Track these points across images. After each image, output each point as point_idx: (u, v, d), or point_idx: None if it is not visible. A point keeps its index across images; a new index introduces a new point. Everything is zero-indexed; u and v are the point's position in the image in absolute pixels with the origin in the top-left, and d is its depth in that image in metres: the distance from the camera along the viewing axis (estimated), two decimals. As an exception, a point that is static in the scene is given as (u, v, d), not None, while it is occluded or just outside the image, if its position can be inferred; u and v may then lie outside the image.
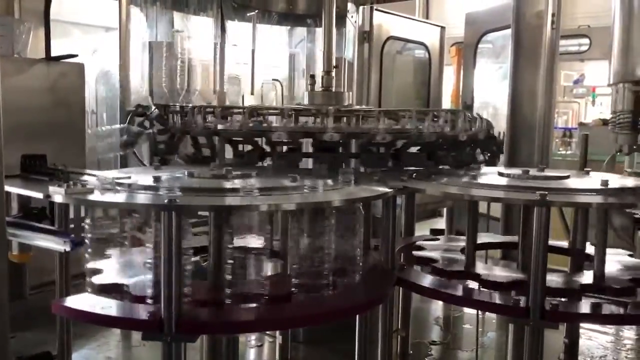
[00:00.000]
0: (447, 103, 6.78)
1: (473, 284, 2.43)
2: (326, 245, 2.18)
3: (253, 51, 4.93)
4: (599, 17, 14.03)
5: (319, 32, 5.18)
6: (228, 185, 2.19)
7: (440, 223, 6.48)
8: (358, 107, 3.61)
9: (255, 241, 2.46)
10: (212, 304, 2.02)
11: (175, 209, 1.81)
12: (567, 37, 11.99)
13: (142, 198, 2.01)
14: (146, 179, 2.26)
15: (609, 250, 2.81)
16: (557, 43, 5.20)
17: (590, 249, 2.81)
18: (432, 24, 6.93)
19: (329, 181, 2.31)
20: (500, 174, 2.73)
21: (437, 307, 4.38)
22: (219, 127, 2.94)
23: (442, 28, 6.80)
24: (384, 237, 2.45)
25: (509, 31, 5.31)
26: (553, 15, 5.11)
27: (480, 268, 2.54)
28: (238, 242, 2.38)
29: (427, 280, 2.45)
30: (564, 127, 13.20)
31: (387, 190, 2.22)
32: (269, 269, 2.19)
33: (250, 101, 5.58)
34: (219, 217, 2.06)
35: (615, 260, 2.70)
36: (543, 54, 5.11)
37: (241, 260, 2.24)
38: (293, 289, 2.14)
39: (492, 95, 6.13)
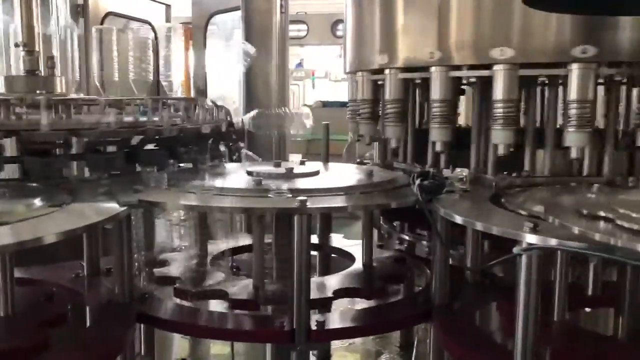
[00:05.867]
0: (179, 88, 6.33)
1: (227, 306, 2.08)
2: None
3: None
4: (313, 5, 14.89)
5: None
6: None
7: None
8: (76, 96, 2.98)
9: None
10: None
11: None
12: (286, 23, 12.44)
13: None
14: None
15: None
16: (286, 27, 5.15)
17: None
18: (157, 1, 6.39)
19: (36, 201, 1.73)
20: (249, 173, 2.43)
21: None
22: None
23: (168, 6, 6.33)
24: (119, 263, 1.94)
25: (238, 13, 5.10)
26: (281, -1, 5.03)
27: (231, 284, 2.19)
28: None
29: (175, 311, 2.02)
30: (287, 110, 13.72)
31: (117, 210, 1.73)
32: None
33: None
34: None
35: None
36: (274, 37, 5.02)
37: None
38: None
39: (218, 78, 5.86)
